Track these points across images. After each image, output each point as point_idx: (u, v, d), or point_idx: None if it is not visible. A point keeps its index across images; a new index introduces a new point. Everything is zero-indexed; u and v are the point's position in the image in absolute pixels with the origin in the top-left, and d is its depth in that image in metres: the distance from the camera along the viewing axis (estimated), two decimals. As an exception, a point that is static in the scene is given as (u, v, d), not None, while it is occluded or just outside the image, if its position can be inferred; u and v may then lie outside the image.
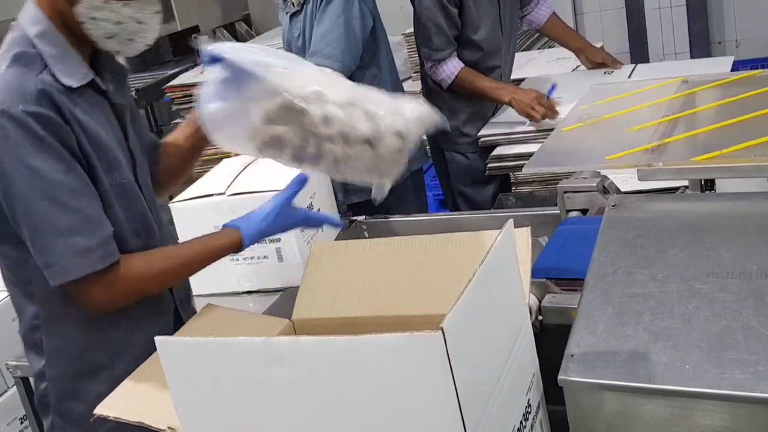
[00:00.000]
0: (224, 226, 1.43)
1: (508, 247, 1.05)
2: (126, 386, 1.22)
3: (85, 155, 1.28)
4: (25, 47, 1.27)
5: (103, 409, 1.18)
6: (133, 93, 1.56)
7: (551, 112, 2.48)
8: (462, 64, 2.62)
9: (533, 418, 1.07)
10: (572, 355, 1.06)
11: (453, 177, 2.79)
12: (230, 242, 1.40)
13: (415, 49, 3.67)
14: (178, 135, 1.60)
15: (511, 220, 1.07)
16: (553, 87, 2.65)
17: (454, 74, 2.61)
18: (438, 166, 2.89)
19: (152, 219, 1.45)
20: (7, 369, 1.80)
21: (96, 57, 1.37)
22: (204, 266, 1.41)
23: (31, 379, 1.58)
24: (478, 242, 1.27)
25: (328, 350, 0.89)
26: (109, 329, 1.37)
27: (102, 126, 1.33)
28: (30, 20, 1.30)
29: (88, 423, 1.33)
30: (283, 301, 1.76)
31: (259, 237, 1.42)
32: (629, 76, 2.74)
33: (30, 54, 1.27)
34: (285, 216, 1.45)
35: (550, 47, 3.55)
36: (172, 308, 1.48)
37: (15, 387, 1.93)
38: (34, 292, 1.35)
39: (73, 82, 1.28)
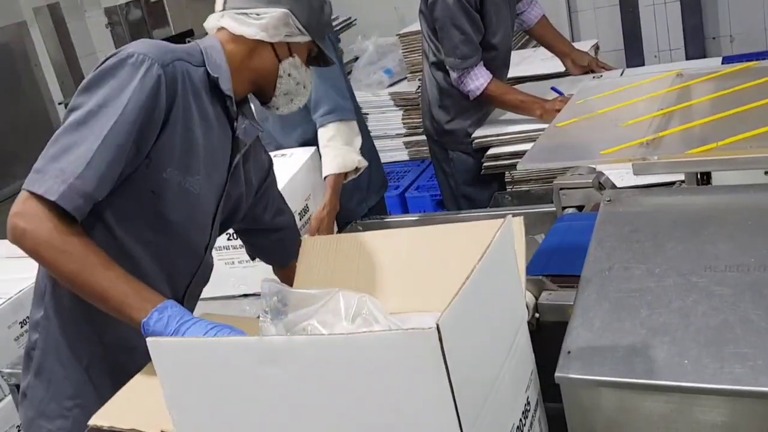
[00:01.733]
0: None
1: (506, 243, 1.04)
2: (120, 396, 1.21)
3: (165, 134, 1.28)
4: (193, 49, 1.37)
5: (97, 420, 1.16)
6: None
7: None
8: (490, 75, 2.61)
9: (532, 416, 1.06)
10: (569, 352, 1.04)
11: (456, 177, 2.79)
12: (134, 311, 1.21)
13: (410, 50, 3.70)
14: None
15: (510, 216, 1.05)
16: (555, 89, 2.66)
17: (483, 85, 2.60)
18: (439, 166, 2.89)
19: (199, 242, 1.42)
20: (2, 377, 1.79)
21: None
22: (103, 303, 1.24)
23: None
24: (473, 234, 1.25)
25: (321, 348, 0.88)
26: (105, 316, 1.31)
27: (208, 136, 1.35)
28: (207, 41, 1.41)
29: (59, 393, 1.38)
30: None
31: (161, 332, 1.19)
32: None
33: (195, 51, 1.37)
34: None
35: (544, 45, 3.55)
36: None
37: (10, 395, 1.91)
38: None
39: (222, 86, 1.35)
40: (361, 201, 2.32)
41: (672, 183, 1.76)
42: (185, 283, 1.44)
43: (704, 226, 1.21)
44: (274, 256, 1.67)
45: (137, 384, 1.21)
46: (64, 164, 1.21)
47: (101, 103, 1.24)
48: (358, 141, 2.14)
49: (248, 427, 0.95)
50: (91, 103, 1.24)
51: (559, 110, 2.50)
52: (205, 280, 1.52)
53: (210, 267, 1.51)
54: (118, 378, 1.27)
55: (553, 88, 2.72)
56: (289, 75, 1.43)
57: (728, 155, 1.30)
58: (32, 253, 1.24)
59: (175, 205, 1.33)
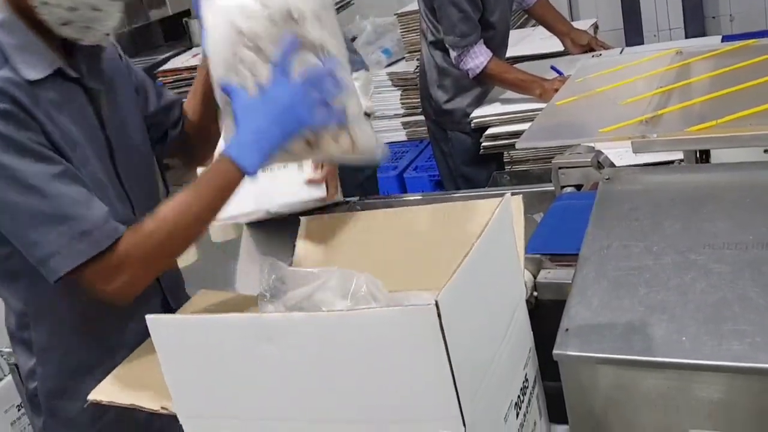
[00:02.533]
0: (221, 154, 1.25)
1: (505, 221, 1.04)
2: (119, 372, 1.21)
3: (58, 149, 1.20)
4: None
5: (96, 395, 1.17)
6: (122, 62, 1.45)
7: None
8: (490, 53, 2.61)
9: (530, 393, 1.07)
10: (567, 330, 1.04)
11: (455, 157, 2.79)
12: (227, 181, 1.22)
13: (408, 29, 3.67)
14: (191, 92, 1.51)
15: (509, 194, 1.05)
16: (554, 68, 2.65)
17: (483, 64, 2.60)
18: (438, 146, 2.88)
19: (134, 215, 1.33)
20: (2, 356, 1.80)
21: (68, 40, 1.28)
22: (214, 212, 1.25)
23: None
24: (472, 212, 1.25)
25: (319, 326, 0.88)
26: (98, 327, 1.32)
27: (73, 117, 1.25)
28: None
29: (82, 422, 1.33)
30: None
31: (261, 159, 1.21)
32: (619, 57, 2.72)
33: None
34: (288, 112, 1.21)
35: (543, 24, 3.53)
36: (160, 300, 1.43)
37: (11, 375, 1.92)
38: (21, 289, 1.30)
39: (35, 74, 1.20)
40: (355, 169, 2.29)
41: (671, 162, 1.76)
42: None
43: (703, 204, 1.20)
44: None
45: (137, 360, 1.22)
46: (50, 232, 1.16)
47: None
48: (371, 90, 2.16)
49: (247, 403, 0.95)
50: None
51: (558, 90, 2.50)
52: None
53: None
54: None
55: (552, 67, 2.72)
56: (45, 3, 1.19)
57: (728, 133, 1.29)
58: (149, 275, 1.25)
59: None
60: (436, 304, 0.81)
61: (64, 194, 1.17)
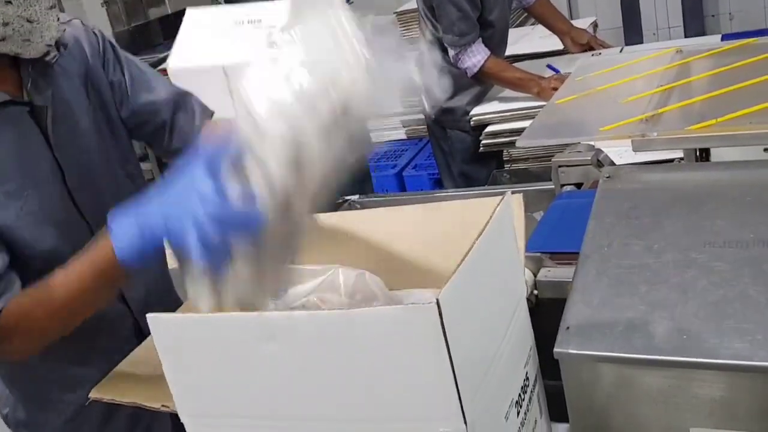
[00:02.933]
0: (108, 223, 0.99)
1: (505, 219, 1.03)
2: (119, 370, 1.21)
3: None
4: None
5: (97, 393, 1.17)
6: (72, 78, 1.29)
7: None
8: (488, 52, 2.61)
9: (531, 391, 1.07)
10: (568, 328, 1.04)
11: (454, 155, 2.79)
12: (103, 262, 1.00)
13: (407, 28, 3.67)
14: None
15: (509, 192, 1.05)
16: (551, 67, 2.66)
17: (481, 62, 2.60)
18: (437, 144, 2.89)
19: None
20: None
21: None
22: (88, 305, 1.09)
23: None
24: (472, 212, 1.24)
25: (321, 324, 0.88)
26: (59, 359, 1.24)
27: (7, 144, 1.14)
28: None
29: None
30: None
31: (140, 253, 0.94)
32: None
33: None
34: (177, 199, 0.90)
35: (542, 23, 3.53)
36: (130, 325, 1.33)
37: None
38: None
39: None
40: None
41: (671, 160, 1.76)
42: None
43: (703, 203, 1.20)
44: None
45: (137, 358, 1.22)
46: None
47: None
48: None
49: (248, 402, 0.95)
50: None
51: (555, 88, 2.51)
52: None
53: None
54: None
55: (549, 66, 2.72)
56: None
57: (728, 131, 1.29)
58: (38, 344, 1.12)
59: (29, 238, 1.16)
60: (438, 303, 0.81)
61: None
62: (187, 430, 1.00)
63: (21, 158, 1.16)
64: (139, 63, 1.40)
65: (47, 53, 1.19)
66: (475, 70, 2.59)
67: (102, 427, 1.31)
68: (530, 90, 2.58)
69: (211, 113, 1.43)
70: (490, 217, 0.97)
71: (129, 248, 0.93)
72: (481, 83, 2.71)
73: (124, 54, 1.37)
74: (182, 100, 1.39)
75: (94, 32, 1.33)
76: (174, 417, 1.01)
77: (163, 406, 1.07)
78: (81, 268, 1.03)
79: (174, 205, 0.88)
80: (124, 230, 0.94)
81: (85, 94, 1.27)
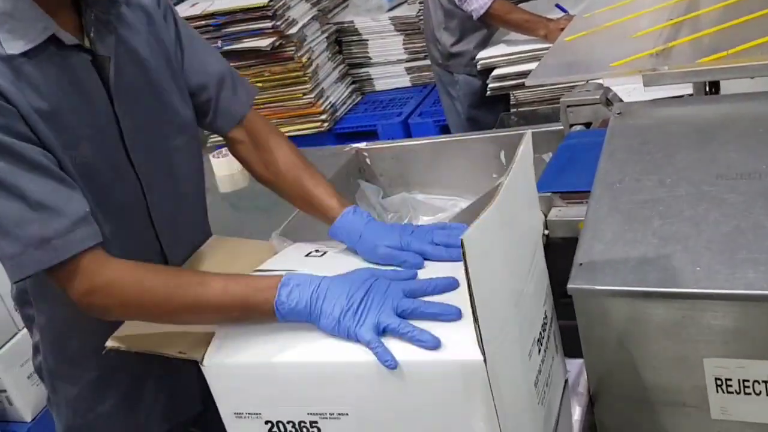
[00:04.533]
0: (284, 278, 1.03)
1: (528, 159, 1.03)
2: (135, 321, 1.22)
3: (37, 135, 1.06)
4: None
5: (113, 342, 1.17)
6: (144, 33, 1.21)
7: None
8: None
9: (549, 329, 1.07)
10: (581, 264, 1.05)
11: (462, 100, 2.76)
12: (261, 309, 1.02)
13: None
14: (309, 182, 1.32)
15: (529, 133, 1.03)
16: (559, 6, 2.61)
17: (488, 4, 2.55)
18: (444, 90, 2.86)
19: (146, 204, 1.20)
20: (16, 310, 1.81)
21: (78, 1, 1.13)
22: (218, 320, 1.06)
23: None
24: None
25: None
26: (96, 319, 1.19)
27: (67, 91, 1.09)
28: None
29: (80, 405, 1.28)
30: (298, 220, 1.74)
31: (301, 305, 1.00)
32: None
33: None
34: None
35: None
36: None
37: (25, 329, 1.94)
38: None
39: (19, 46, 1.04)
40: None
41: (680, 97, 1.74)
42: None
43: (715, 135, 1.19)
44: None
45: None
46: (9, 235, 1.03)
47: None
48: None
49: None
50: None
51: (562, 29, 2.47)
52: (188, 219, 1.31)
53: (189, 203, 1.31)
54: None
55: (557, 5, 2.67)
56: None
57: (740, 63, 1.28)
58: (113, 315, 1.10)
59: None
60: (462, 243, 0.80)
61: (28, 194, 1.03)
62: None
63: (79, 107, 1.11)
64: (192, 29, 1.33)
65: None
66: (482, 11, 2.55)
67: (130, 389, 1.30)
68: (537, 32, 2.54)
69: (256, 92, 1.39)
70: (515, 158, 0.96)
71: (287, 315, 1.01)
72: (488, 26, 2.67)
73: (179, 16, 1.30)
74: (231, 78, 1.33)
75: None
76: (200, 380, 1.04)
77: (179, 352, 1.09)
78: (233, 290, 1.04)
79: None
80: (290, 306, 1.00)
81: (149, 48, 1.21)
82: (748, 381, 0.97)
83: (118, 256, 1.10)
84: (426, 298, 0.98)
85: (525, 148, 1.00)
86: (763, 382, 0.96)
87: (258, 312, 1.02)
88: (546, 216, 1.40)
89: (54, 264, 1.04)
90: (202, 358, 1.03)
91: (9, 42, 1.04)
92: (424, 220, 2.05)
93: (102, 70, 1.13)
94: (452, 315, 0.93)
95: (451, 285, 0.99)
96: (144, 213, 1.21)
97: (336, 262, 1.12)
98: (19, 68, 1.05)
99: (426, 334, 0.92)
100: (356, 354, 0.94)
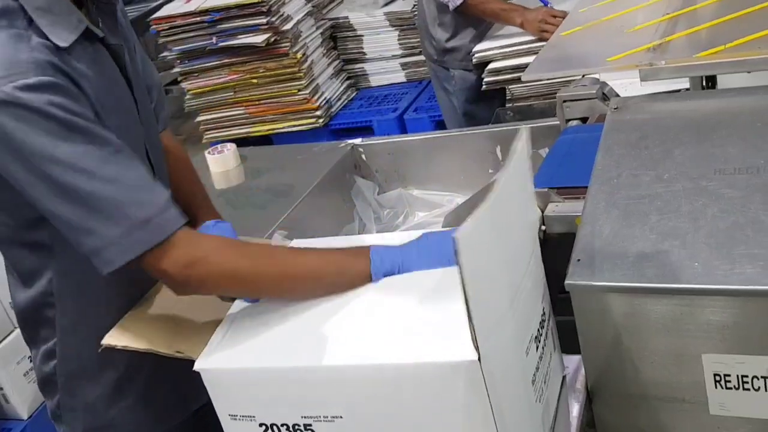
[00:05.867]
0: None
1: (524, 154, 1.02)
2: (130, 318, 1.21)
3: (100, 118, 1.07)
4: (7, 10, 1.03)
5: (110, 340, 1.17)
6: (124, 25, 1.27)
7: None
8: None
9: (546, 326, 1.07)
10: (579, 260, 1.04)
11: (458, 95, 2.75)
12: (358, 271, 1.07)
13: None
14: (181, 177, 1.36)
15: (524, 127, 1.03)
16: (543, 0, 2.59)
17: None
18: (440, 85, 2.85)
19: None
20: (12, 307, 1.80)
21: None
22: (315, 288, 1.08)
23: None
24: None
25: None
26: (126, 305, 1.21)
27: (105, 83, 1.12)
28: None
29: (99, 406, 1.27)
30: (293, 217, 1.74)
31: (395, 262, 1.07)
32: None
33: (11, 8, 1.03)
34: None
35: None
36: None
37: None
38: (48, 263, 1.18)
39: (64, 39, 1.05)
40: None
41: (676, 92, 1.73)
42: None
43: (713, 130, 1.19)
44: None
45: (145, 306, 1.22)
46: (108, 220, 1.03)
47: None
48: None
49: None
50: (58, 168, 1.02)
51: (541, 20, 2.46)
52: None
53: None
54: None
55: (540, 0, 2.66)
56: None
57: (737, 57, 1.27)
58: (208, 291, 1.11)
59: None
60: (454, 240, 0.79)
61: (120, 177, 1.04)
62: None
63: (113, 96, 1.14)
64: None
65: None
66: (459, 1, 2.54)
67: (150, 382, 1.29)
68: (513, 21, 2.52)
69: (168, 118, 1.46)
70: (512, 153, 0.96)
71: (383, 266, 1.07)
72: (465, 16, 2.64)
73: None
74: (163, 93, 1.41)
75: None
76: None
77: (176, 351, 1.08)
78: (327, 257, 1.09)
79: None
80: (382, 266, 1.07)
81: (132, 42, 1.26)
82: (746, 376, 0.96)
83: None
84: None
85: (521, 144, 0.99)
86: (762, 377, 0.96)
87: (353, 273, 1.06)
88: (543, 212, 1.39)
89: (158, 242, 1.04)
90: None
91: (53, 36, 1.04)
92: (420, 215, 2.05)
93: (118, 59, 1.17)
94: None
95: None
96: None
97: None
98: (69, 61, 1.06)
99: None
100: (350, 358, 0.94)
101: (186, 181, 1.38)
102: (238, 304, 1.11)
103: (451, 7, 2.58)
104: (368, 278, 1.06)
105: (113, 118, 1.11)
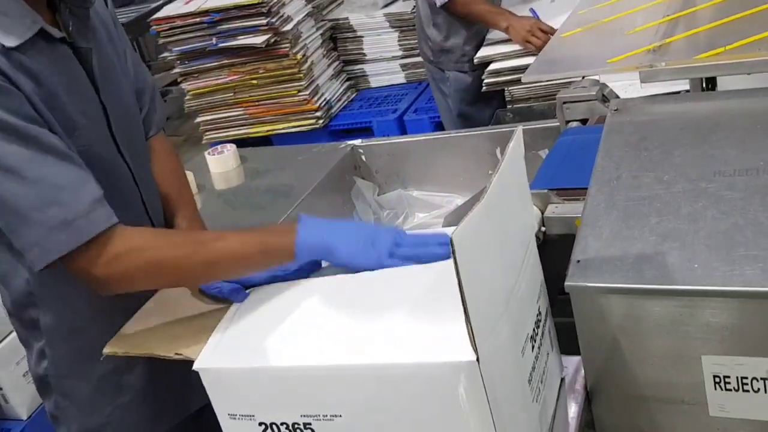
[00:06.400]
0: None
1: (518, 155, 1.02)
2: (129, 326, 1.21)
3: (45, 120, 1.07)
4: None
5: (110, 348, 1.17)
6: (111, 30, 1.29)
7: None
8: None
9: (543, 326, 1.07)
10: (578, 261, 1.04)
11: (454, 97, 2.75)
12: (276, 242, 1.08)
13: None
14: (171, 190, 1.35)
15: (520, 128, 1.03)
16: (533, 12, 2.60)
17: None
18: (437, 87, 2.85)
19: (139, 192, 1.24)
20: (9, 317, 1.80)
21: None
22: (240, 270, 1.10)
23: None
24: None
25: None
26: (108, 305, 1.19)
27: (63, 83, 1.12)
28: None
29: (95, 403, 1.27)
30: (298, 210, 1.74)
31: (319, 251, 1.08)
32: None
33: None
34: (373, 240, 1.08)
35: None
36: None
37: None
38: (23, 266, 1.18)
39: (12, 40, 1.05)
40: None
41: (677, 93, 1.74)
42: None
43: (713, 132, 1.19)
44: None
45: (146, 313, 1.22)
46: (31, 219, 1.03)
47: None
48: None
49: None
50: None
51: (528, 31, 2.45)
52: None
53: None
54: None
55: (531, 9, 2.66)
56: None
57: (738, 59, 1.27)
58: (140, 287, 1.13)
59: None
60: (451, 242, 0.79)
61: (45, 178, 1.03)
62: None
63: (73, 96, 1.13)
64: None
65: None
66: (445, 0, 2.54)
67: (146, 380, 1.29)
68: (499, 25, 2.52)
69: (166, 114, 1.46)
70: (504, 154, 0.96)
71: (305, 252, 1.08)
72: (452, 15, 2.64)
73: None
74: (157, 95, 1.40)
75: None
76: None
77: (176, 353, 1.08)
78: (249, 239, 1.10)
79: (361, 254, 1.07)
80: (309, 241, 1.08)
81: (111, 45, 1.26)
82: (746, 378, 0.96)
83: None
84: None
85: (516, 145, 0.99)
86: (761, 379, 0.96)
87: (277, 252, 1.07)
88: (543, 213, 1.39)
89: (80, 244, 1.04)
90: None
91: (2, 37, 1.05)
92: (419, 216, 2.05)
93: (85, 62, 1.16)
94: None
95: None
96: (139, 201, 1.26)
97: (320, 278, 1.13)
98: (17, 60, 1.06)
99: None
100: (349, 357, 0.94)
101: (166, 184, 1.37)
102: (236, 305, 1.11)
103: (438, 3, 2.58)
104: (292, 254, 1.07)
105: (70, 118, 1.11)
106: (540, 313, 1.06)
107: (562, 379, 1.14)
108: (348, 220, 1.11)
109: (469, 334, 0.84)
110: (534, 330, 1.01)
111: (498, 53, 2.60)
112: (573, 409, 1.12)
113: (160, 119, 1.41)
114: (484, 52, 2.63)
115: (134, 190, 1.23)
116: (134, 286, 1.12)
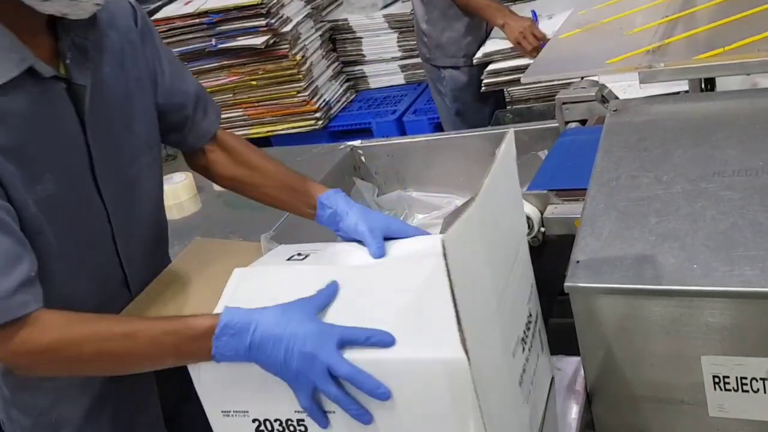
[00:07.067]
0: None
1: (509, 158, 1.02)
2: (138, 302, 1.21)
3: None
4: None
5: None
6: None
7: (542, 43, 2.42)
8: None
9: (533, 328, 1.07)
10: (578, 262, 1.04)
11: (451, 96, 2.75)
12: (191, 341, 0.99)
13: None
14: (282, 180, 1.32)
15: (512, 131, 1.03)
16: (534, 13, 2.60)
17: None
18: (434, 87, 2.85)
19: (111, 231, 1.17)
20: None
21: (55, 23, 1.09)
22: (148, 368, 1.06)
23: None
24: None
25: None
26: (34, 391, 1.17)
27: (39, 124, 1.05)
28: None
29: (53, 415, 1.21)
30: (287, 224, 1.73)
31: (240, 354, 0.97)
32: None
33: None
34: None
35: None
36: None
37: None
38: None
39: None
40: None
41: (676, 94, 1.74)
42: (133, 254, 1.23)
43: (712, 132, 1.19)
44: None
45: (154, 289, 1.22)
46: None
47: None
48: None
49: None
50: None
51: (522, 32, 2.45)
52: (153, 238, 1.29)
53: (154, 224, 1.30)
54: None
55: (532, 11, 2.66)
56: None
57: (736, 59, 1.27)
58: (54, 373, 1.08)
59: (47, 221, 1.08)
60: (443, 243, 0.79)
61: None
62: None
63: (49, 139, 1.07)
64: (168, 48, 1.32)
65: (94, 16, 1.09)
66: None
67: (89, 411, 1.23)
68: (495, 20, 2.52)
69: (220, 111, 1.40)
70: (496, 157, 0.96)
71: (226, 357, 0.98)
72: (468, 14, 2.64)
73: (158, 34, 1.28)
74: (204, 98, 1.34)
75: (129, 2, 1.22)
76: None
77: None
78: (163, 338, 1.01)
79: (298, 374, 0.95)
80: (229, 346, 0.98)
81: (122, 72, 1.18)
82: (745, 378, 0.96)
83: (81, 283, 1.11)
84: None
85: (506, 147, 0.99)
86: (760, 379, 0.96)
87: (193, 359, 1.00)
88: (542, 213, 1.40)
89: None
90: None
91: None
92: (419, 217, 2.05)
93: (77, 100, 1.10)
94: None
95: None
96: (109, 239, 1.18)
97: (314, 269, 1.11)
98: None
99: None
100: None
101: (273, 173, 1.35)
102: (227, 298, 1.09)
103: None
104: (210, 358, 0.98)
105: (38, 164, 1.05)
106: (531, 315, 1.06)
107: (552, 380, 1.14)
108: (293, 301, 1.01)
109: (459, 335, 0.84)
110: (525, 332, 1.02)
111: (501, 49, 2.60)
112: (573, 410, 1.12)
113: (211, 123, 1.34)
114: (488, 47, 2.63)
115: (106, 228, 1.17)
116: (38, 375, 1.10)
